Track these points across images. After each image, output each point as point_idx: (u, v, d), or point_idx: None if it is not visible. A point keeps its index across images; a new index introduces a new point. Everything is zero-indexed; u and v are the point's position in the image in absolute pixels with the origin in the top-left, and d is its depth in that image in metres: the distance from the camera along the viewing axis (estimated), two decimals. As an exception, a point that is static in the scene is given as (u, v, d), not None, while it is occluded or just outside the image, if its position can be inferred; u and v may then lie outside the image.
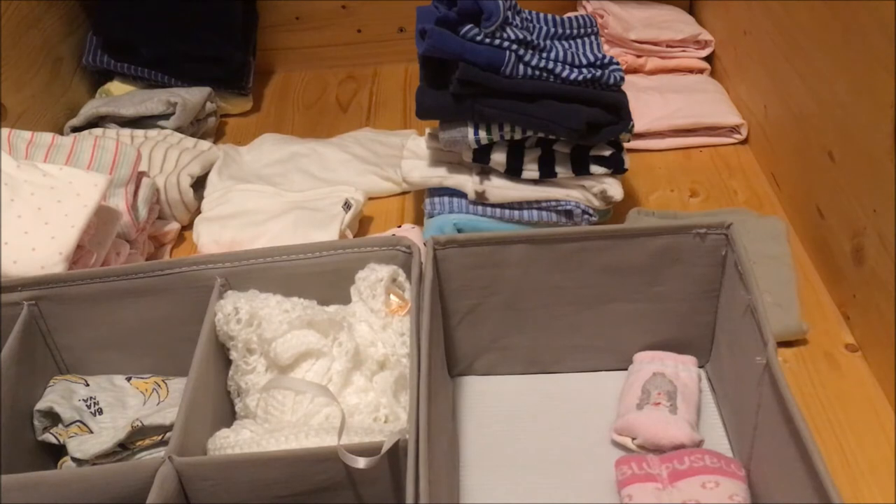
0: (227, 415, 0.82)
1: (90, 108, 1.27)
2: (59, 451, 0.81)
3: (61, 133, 1.25)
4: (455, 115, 1.01)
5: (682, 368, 0.86)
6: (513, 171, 1.03)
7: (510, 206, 1.05)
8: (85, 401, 0.81)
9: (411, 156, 1.10)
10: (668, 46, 1.36)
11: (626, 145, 1.04)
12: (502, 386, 0.91)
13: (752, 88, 1.22)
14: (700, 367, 0.89)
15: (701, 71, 1.37)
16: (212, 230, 1.08)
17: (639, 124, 1.14)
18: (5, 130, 1.02)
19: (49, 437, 0.80)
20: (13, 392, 0.78)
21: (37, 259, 0.87)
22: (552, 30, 1.05)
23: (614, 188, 1.03)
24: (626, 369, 0.89)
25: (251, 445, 0.71)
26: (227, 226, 1.08)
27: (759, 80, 1.18)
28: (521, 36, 0.96)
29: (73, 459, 0.77)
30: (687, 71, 1.37)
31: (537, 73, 0.97)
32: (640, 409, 0.82)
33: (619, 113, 1.00)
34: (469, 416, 0.88)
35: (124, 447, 0.77)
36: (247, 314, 0.79)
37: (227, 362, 0.82)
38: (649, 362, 0.87)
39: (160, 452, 0.74)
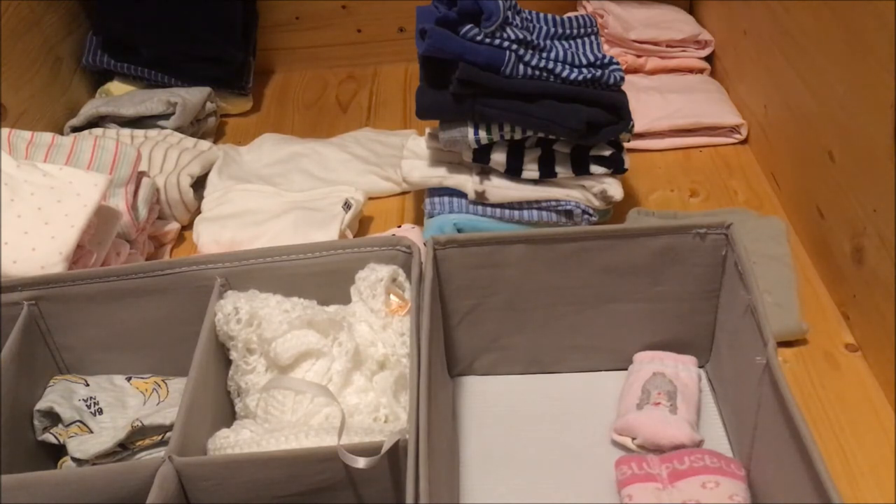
0: (227, 415, 0.82)
1: (90, 108, 1.27)
2: (59, 451, 0.81)
3: (61, 133, 1.25)
4: (455, 115, 1.01)
5: (682, 368, 0.86)
6: (513, 171, 1.03)
7: (510, 206, 1.05)
8: (85, 401, 0.81)
9: (411, 156, 1.10)
10: (668, 46, 1.36)
11: (626, 145, 1.04)
12: (502, 386, 0.91)
13: (752, 88, 1.22)
14: (700, 367, 0.89)
15: (701, 71, 1.37)
16: (212, 230, 1.08)
17: (639, 124, 1.14)
18: (5, 130, 1.02)
19: (49, 437, 0.80)
20: (13, 392, 0.78)
21: (37, 259, 0.87)
22: (552, 30, 1.05)
23: (614, 188, 1.03)
24: (626, 369, 0.89)
25: (251, 445, 0.71)
26: (227, 226, 1.08)
27: (759, 80, 1.18)
28: (521, 36, 0.96)
29: (73, 459, 0.77)
30: (687, 71, 1.37)
31: (537, 73, 0.97)
32: (640, 409, 0.82)
33: (619, 113, 1.00)
34: (469, 416, 0.88)
35: (124, 447, 0.78)
36: (247, 314, 0.79)
37: (227, 362, 0.82)
38: (649, 362, 0.87)
39: (160, 452, 0.74)
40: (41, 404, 0.81)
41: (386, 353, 0.80)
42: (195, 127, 1.31)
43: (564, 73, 0.97)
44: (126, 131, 1.25)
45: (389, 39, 1.53)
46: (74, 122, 1.27)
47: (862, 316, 0.90)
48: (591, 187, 1.03)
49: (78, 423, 0.79)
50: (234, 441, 0.73)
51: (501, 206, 1.05)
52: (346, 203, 1.09)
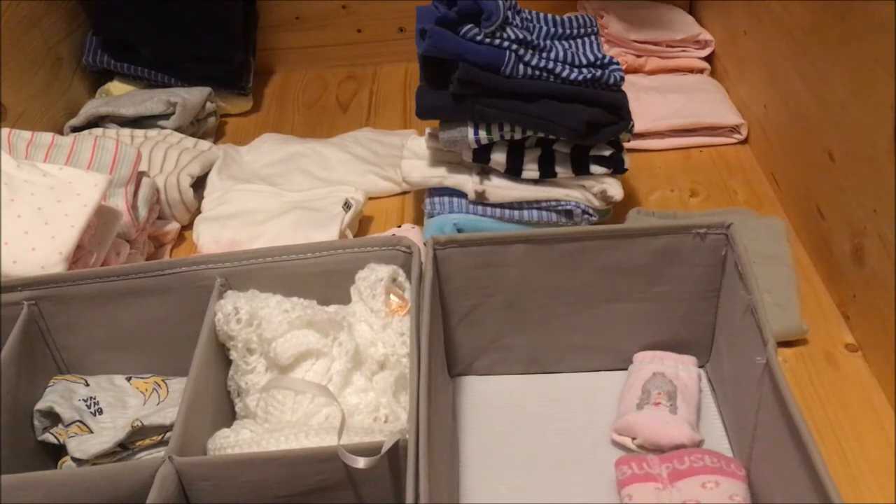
0: (227, 415, 0.82)
1: (90, 108, 1.27)
2: (59, 451, 0.81)
3: (61, 133, 1.25)
4: (455, 115, 1.01)
5: (682, 368, 0.86)
6: (513, 171, 1.03)
7: (510, 206, 1.05)
8: (85, 401, 0.81)
9: (411, 156, 1.10)
10: (668, 46, 1.36)
11: (626, 145, 1.04)
12: (502, 386, 0.91)
13: (752, 88, 1.22)
14: (700, 367, 0.89)
15: (701, 71, 1.37)
16: (212, 230, 1.08)
17: (639, 124, 1.14)
18: (5, 130, 1.02)
19: (49, 437, 0.80)
20: (13, 392, 0.78)
21: (37, 259, 0.87)
22: (552, 30, 1.05)
23: (614, 188, 1.03)
24: (626, 369, 0.89)
25: (251, 445, 0.71)
26: (227, 226, 1.08)
27: (759, 80, 1.18)
28: (521, 36, 0.96)
29: (73, 459, 0.77)
30: (687, 71, 1.37)
31: (537, 72, 0.97)
32: (639, 408, 0.82)
33: (619, 113, 1.00)
34: (469, 416, 0.88)
35: (124, 447, 0.77)
36: (247, 314, 0.79)
37: (227, 362, 0.82)
38: (649, 362, 0.87)
39: (160, 452, 0.74)
40: (41, 404, 0.81)
41: (386, 353, 0.80)
42: (195, 127, 1.32)
43: (564, 73, 0.97)
44: (126, 131, 1.25)
45: (389, 39, 1.53)
46: (74, 122, 1.27)
47: (862, 316, 0.90)
48: (591, 187, 1.03)
49: (78, 423, 0.79)
50: (234, 441, 0.73)
51: (501, 206, 1.05)
52: (346, 203, 1.09)
